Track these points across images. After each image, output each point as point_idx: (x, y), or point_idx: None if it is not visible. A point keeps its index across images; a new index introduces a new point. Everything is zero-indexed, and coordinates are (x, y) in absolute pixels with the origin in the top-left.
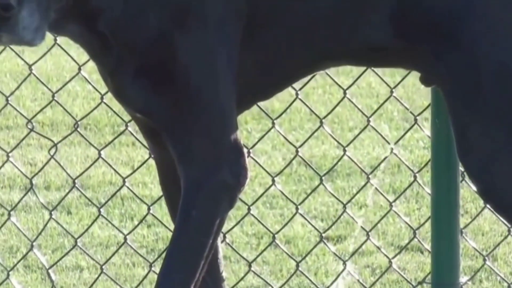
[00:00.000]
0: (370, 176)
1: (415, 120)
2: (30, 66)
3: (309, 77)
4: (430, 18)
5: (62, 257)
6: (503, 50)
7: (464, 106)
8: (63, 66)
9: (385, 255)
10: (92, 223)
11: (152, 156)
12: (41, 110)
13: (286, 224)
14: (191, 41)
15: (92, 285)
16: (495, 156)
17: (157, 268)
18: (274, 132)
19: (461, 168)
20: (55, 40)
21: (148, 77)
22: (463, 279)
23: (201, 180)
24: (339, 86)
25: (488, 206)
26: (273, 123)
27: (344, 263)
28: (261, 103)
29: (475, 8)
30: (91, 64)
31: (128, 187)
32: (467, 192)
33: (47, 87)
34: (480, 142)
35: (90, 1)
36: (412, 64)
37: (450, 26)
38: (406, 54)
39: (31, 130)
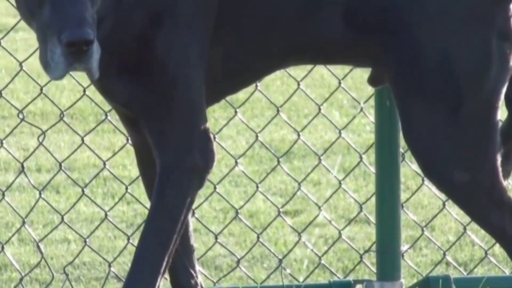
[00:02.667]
0: (322, 157)
1: (362, 107)
2: (21, 63)
3: None
4: (377, 11)
5: (51, 231)
6: (443, 40)
7: (408, 91)
8: None
9: (336, 227)
10: (77, 201)
11: (131, 141)
12: (31, 101)
13: (249, 200)
14: (166, 39)
15: (77, 255)
16: (435, 135)
17: (135, 240)
18: (237, 119)
19: (402, 150)
20: None
21: (130, 75)
22: (404, 247)
23: (174, 163)
24: (294, 79)
25: (426, 182)
26: (236, 111)
27: (300, 234)
28: None
29: (415, 1)
30: None
31: (108, 170)
32: (408, 170)
33: (37, 82)
34: (422, 122)
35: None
36: (364, 60)
37: (395, 18)
38: (358, 49)
39: (22, 119)
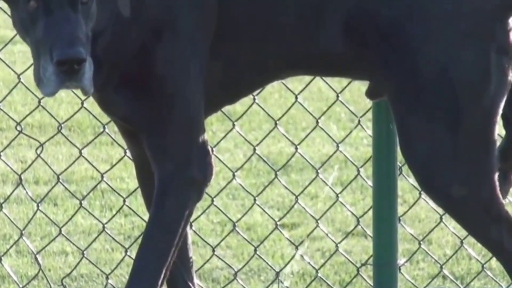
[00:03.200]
0: (320, 170)
1: (359, 121)
2: (19, 76)
3: None
4: (377, 25)
5: (49, 243)
6: (443, 54)
7: (406, 105)
8: None
9: (333, 240)
10: (75, 213)
11: (129, 154)
12: (29, 113)
13: (246, 213)
14: (167, 53)
15: (75, 268)
16: (433, 149)
17: (133, 253)
18: (235, 132)
19: (399, 163)
20: None
21: (129, 89)
22: (401, 260)
23: (173, 176)
24: (292, 92)
25: (423, 196)
26: (234, 124)
27: (297, 247)
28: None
29: (416, 15)
30: None
31: (106, 182)
32: (406, 184)
33: (35, 95)
34: (420, 136)
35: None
36: (362, 72)
37: (394, 33)
38: (357, 62)
39: (20, 132)
